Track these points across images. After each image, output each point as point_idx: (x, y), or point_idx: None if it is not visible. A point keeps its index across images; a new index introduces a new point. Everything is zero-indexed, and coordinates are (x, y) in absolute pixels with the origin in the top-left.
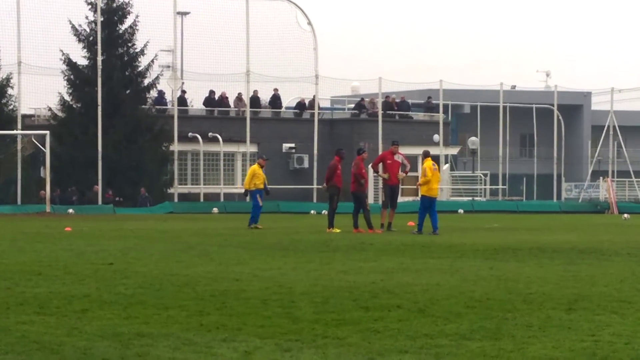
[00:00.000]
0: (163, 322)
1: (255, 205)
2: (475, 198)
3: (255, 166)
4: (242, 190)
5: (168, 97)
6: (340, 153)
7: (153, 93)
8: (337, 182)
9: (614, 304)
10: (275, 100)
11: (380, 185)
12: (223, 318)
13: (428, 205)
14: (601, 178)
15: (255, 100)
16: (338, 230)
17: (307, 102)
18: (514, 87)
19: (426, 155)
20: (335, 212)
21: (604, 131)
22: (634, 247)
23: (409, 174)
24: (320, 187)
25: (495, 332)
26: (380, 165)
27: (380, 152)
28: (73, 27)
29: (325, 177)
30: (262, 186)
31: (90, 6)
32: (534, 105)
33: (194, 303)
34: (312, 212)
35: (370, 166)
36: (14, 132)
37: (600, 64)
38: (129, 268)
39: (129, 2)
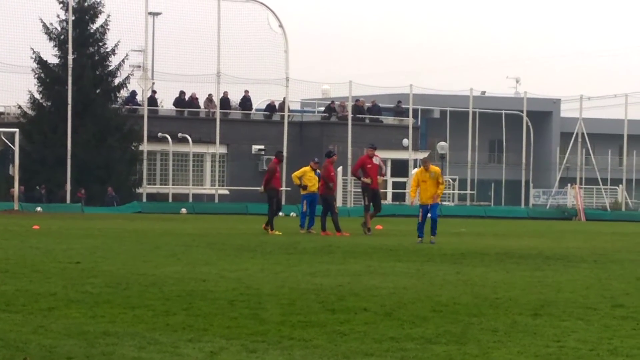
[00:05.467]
0: (129, 322)
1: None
2: (444, 203)
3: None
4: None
5: (139, 97)
6: (279, 155)
7: (123, 93)
8: (275, 185)
9: (580, 310)
10: (246, 102)
11: (350, 188)
12: (189, 318)
13: (425, 212)
14: (569, 185)
15: (225, 102)
16: (279, 233)
17: (277, 104)
18: (483, 92)
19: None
20: (274, 215)
21: (573, 138)
22: (600, 254)
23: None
24: (288, 189)
25: (461, 337)
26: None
27: (349, 156)
28: (44, 25)
29: (264, 180)
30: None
31: (61, 5)
32: (503, 111)
33: (161, 303)
34: (280, 214)
35: (351, 172)
36: None
37: (570, 71)
38: (96, 267)
39: (100, 1)
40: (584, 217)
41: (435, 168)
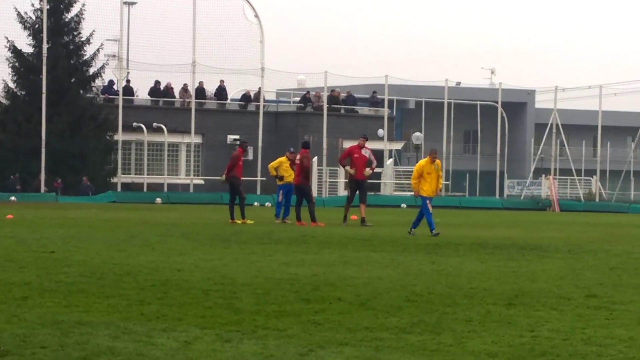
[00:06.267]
0: (103, 311)
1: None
2: None
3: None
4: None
5: (116, 86)
6: (243, 145)
7: (98, 82)
8: (237, 173)
9: (554, 300)
10: (221, 92)
11: (325, 178)
12: (164, 308)
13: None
14: (543, 176)
15: (200, 92)
16: (240, 222)
17: (252, 94)
18: (458, 83)
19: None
20: (235, 204)
21: (547, 129)
22: (574, 245)
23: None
24: (263, 179)
25: (436, 326)
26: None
27: (324, 146)
28: (19, 14)
29: (226, 167)
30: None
31: None
32: (478, 102)
33: (135, 292)
34: (255, 203)
35: (338, 160)
36: None
37: (545, 62)
38: (70, 256)
39: None
40: (558, 207)
41: (438, 161)
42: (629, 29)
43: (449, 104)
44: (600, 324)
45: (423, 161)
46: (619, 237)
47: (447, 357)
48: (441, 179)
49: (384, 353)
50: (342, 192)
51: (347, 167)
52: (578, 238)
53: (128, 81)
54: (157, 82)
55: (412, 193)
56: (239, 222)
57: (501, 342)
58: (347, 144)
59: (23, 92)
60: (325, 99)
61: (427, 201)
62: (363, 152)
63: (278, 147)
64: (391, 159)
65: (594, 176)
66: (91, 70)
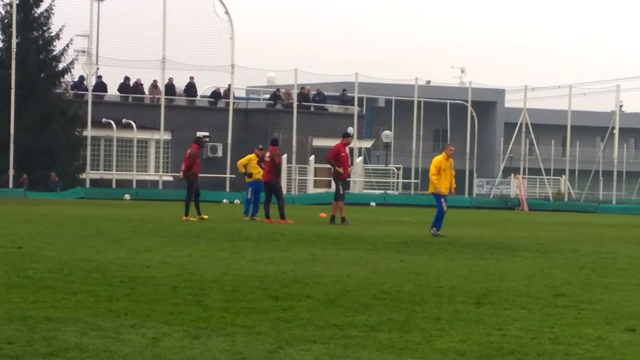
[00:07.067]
0: (71, 307)
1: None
2: (388, 191)
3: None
4: (157, 178)
5: (86, 82)
6: (199, 141)
7: (68, 77)
8: (197, 171)
9: (522, 299)
10: (191, 89)
11: (294, 176)
12: (132, 304)
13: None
14: (512, 175)
15: (170, 88)
16: (194, 219)
17: (222, 91)
18: (428, 82)
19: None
20: (192, 200)
21: (517, 128)
22: (543, 244)
23: (323, 165)
24: (232, 176)
25: (404, 325)
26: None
27: (294, 143)
28: None
29: (185, 165)
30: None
31: None
32: (448, 101)
33: (103, 289)
34: (224, 200)
35: (327, 159)
36: None
37: (515, 62)
38: (38, 252)
39: None
40: (527, 207)
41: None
42: (599, 29)
43: (419, 102)
44: (569, 323)
45: (440, 157)
46: (588, 236)
47: (415, 355)
48: (453, 177)
49: (353, 351)
50: (312, 189)
51: (337, 167)
52: (547, 237)
53: (100, 77)
54: (127, 78)
55: (434, 191)
56: (193, 219)
57: (469, 340)
58: (317, 142)
59: None
60: (295, 97)
61: (442, 199)
62: (347, 150)
63: (247, 144)
64: (360, 157)
65: (563, 176)
66: (60, 66)
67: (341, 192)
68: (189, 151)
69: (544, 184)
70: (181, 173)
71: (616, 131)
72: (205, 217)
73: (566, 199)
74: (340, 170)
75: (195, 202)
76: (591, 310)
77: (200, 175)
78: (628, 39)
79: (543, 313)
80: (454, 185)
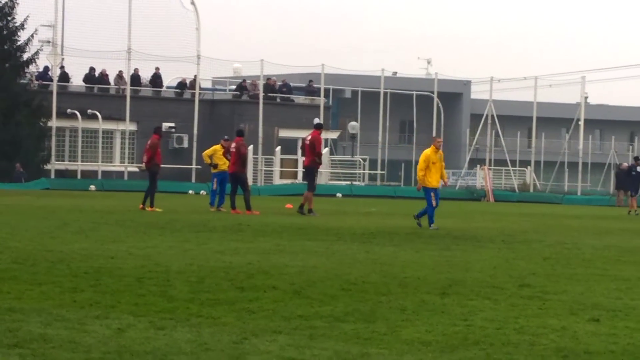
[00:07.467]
0: (36, 298)
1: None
2: (354, 182)
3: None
4: (123, 169)
5: (50, 72)
6: (159, 131)
7: (32, 68)
8: (158, 161)
9: (487, 289)
10: (156, 79)
11: (260, 167)
12: (97, 295)
13: (437, 196)
14: (478, 166)
15: (135, 79)
16: (160, 210)
17: (188, 82)
18: (395, 73)
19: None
20: (154, 191)
21: (483, 120)
22: (508, 235)
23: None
24: (198, 167)
25: (370, 315)
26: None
27: (260, 134)
28: None
29: (147, 156)
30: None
31: None
32: (414, 92)
33: (68, 279)
34: (190, 192)
35: (317, 150)
36: None
37: (481, 53)
38: (2, 243)
39: None
40: (492, 198)
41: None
42: (565, 20)
43: (385, 93)
44: (533, 314)
45: (428, 150)
46: (553, 227)
47: (380, 345)
48: (444, 169)
49: (318, 341)
50: (278, 180)
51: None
52: (512, 228)
53: (62, 67)
54: (92, 69)
55: (417, 186)
56: (148, 209)
57: (435, 331)
58: (283, 133)
59: None
60: (261, 88)
61: (432, 193)
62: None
63: (213, 135)
64: (327, 148)
65: (529, 167)
66: (25, 56)
67: (314, 183)
68: (149, 142)
69: (509, 175)
70: (143, 164)
71: (581, 122)
72: (159, 210)
73: (532, 190)
74: (319, 161)
75: (150, 193)
76: (556, 301)
77: (166, 166)
78: (593, 30)
79: (508, 304)
80: (446, 177)
